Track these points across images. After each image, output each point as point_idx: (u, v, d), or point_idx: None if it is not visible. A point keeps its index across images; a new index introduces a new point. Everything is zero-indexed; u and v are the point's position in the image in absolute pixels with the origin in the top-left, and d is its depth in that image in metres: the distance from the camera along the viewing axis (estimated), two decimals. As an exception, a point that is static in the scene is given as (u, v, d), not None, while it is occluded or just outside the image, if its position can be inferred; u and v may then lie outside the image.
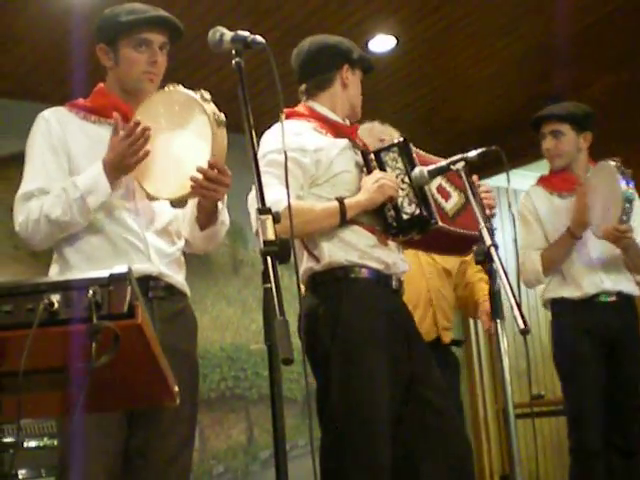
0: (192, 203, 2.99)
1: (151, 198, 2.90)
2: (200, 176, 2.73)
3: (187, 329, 3.03)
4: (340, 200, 3.28)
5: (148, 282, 2.88)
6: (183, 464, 2.93)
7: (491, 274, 2.86)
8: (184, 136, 2.81)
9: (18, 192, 2.90)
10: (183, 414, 2.85)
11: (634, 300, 4.58)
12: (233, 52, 2.42)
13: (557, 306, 4.52)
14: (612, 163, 4.32)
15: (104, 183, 2.80)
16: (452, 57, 6.33)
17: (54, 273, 2.90)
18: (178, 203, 2.89)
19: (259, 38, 2.42)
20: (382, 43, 5.98)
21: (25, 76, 5.70)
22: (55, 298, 1.70)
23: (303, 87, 3.53)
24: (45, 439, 4.51)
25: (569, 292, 4.45)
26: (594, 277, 4.45)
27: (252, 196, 3.19)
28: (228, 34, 2.45)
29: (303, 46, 3.52)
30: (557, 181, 4.63)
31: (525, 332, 2.63)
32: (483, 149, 3.17)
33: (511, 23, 5.86)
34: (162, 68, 3.02)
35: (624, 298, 4.50)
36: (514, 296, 2.69)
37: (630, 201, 4.19)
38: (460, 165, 3.12)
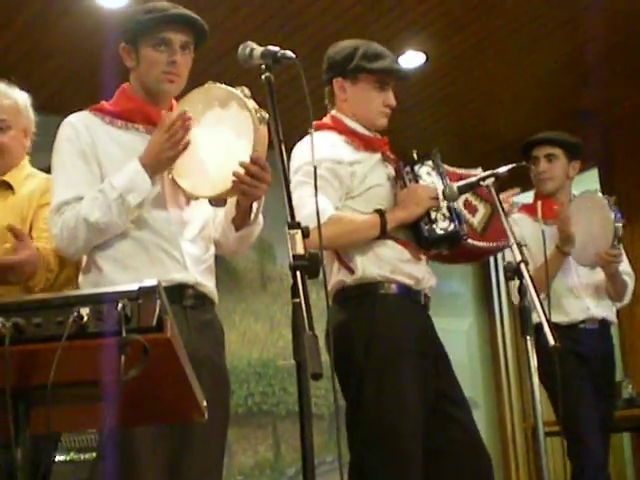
0: (230, 203, 2.93)
1: (188, 196, 2.85)
2: (242, 171, 2.67)
3: (217, 340, 2.97)
4: (381, 213, 3.27)
5: (183, 291, 2.82)
6: (216, 476, 2.88)
7: (521, 290, 2.85)
8: (224, 132, 2.75)
9: (52, 203, 2.83)
10: (216, 428, 2.80)
11: (610, 328, 4.71)
12: (263, 67, 2.41)
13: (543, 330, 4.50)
14: (598, 194, 4.55)
15: (144, 179, 2.74)
16: (481, 73, 6.32)
17: (87, 282, 2.84)
18: (217, 201, 2.84)
19: (289, 53, 2.41)
20: (412, 59, 5.99)
21: (57, 91, 5.74)
22: (84, 311, 1.70)
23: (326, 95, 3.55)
24: (72, 453, 4.51)
25: (557, 317, 4.44)
26: (580, 304, 4.54)
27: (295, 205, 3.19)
28: (258, 49, 2.44)
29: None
30: (544, 209, 4.60)
31: (556, 349, 2.62)
32: (513, 165, 3.17)
33: (541, 39, 5.85)
34: (183, 68, 2.93)
35: (605, 325, 4.62)
36: (544, 312, 2.68)
37: (620, 229, 4.31)
38: (490, 181, 3.12)
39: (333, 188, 3.20)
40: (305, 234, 2.08)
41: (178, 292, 2.78)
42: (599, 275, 4.54)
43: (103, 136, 2.88)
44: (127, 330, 1.66)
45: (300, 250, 2.05)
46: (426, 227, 3.30)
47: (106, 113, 2.94)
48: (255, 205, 2.90)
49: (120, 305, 1.68)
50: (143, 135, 2.89)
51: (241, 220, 2.93)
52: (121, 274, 2.75)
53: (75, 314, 1.69)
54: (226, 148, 2.74)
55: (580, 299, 4.53)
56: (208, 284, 2.92)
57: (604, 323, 4.59)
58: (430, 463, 3.22)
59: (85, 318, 1.69)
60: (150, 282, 1.74)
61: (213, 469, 2.87)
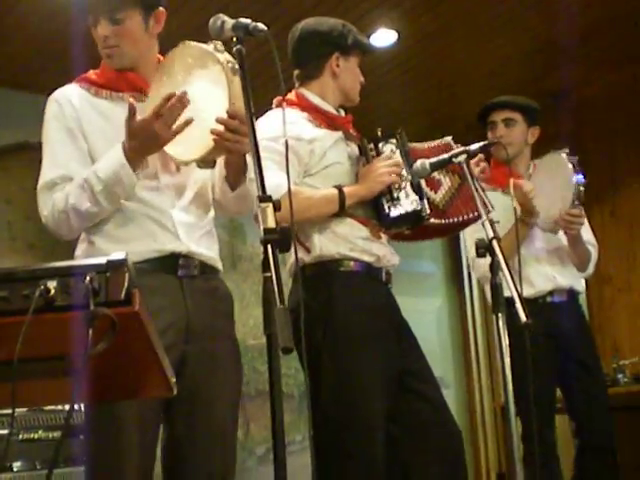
0: (220, 162, 2.86)
1: (180, 163, 2.78)
2: (221, 128, 2.61)
3: (223, 308, 2.92)
4: (339, 188, 3.26)
5: (177, 260, 2.77)
6: (230, 443, 2.87)
7: (493, 267, 2.85)
8: (202, 90, 2.66)
9: (40, 181, 2.80)
10: (225, 396, 2.80)
11: (579, 298, 4.60)
12: (234, 40, 2.39)
13: (510, 306, 4.44)
14: (562, 154, 4.33)
15: (128, 174, 2.67)
16: (454, 52, 6.31)
17: (80, 255, 2.81)
18: (205, 163, 2.75)
19: (261, 25, 2.39)
20: (383, 37, 5.95)
21: (23, 67, 5.67)
22: (52, 284, 1.67)
23: (295, 73, 3.51)
24: (40, 431, 4.48)
25: (524, 291, 4.39)
26: (546, 272, 4.43)
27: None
28: (229, 21, 2.42)
29: (295, 31, 3.51)
30: (498, 175, 4.42)
31: (527, 326, 2.62)
32: (485, 142, 3.18)
33: (514, 18, 5.84)
34: (117, 40, 2.86)
35: (573, 296, 4.51)
36: (516, 289, 2.67)
37: (580, 186, 4.21)
38: (462, 158, 3.12)
39: (291, 164, 3.17)
40: (276, 207, 2.06)
41: (171, 262, 2.75)
42: (563, 241, 4.43)
43: (88, 108, 2.84)
44: (95, 304, 1.64)
45: (271, 224, 2.03)
46: (387, 205, 3.29)
47: (92, 84, 2.90)
48: (248, 159, 2.81)
49: (88, 278, 1.66)
50: (125, 103, 2.79)
51: (236, 178, 2.86)
52: (112, 246, 2.70)
53: (42, 287, 1.66)
54: (204, 106, 2.65)
55: (544, 267, 4.43)
56: (206, 252, 2.87)
57: (572, 294, 4.49)
58: (399, 440, 3.23)
59: (52, 291, 1.66)
60: (119, 255, 1.72)
61: (225, 434, 2.84)
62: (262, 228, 2.02)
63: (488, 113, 4.61)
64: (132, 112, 2.64)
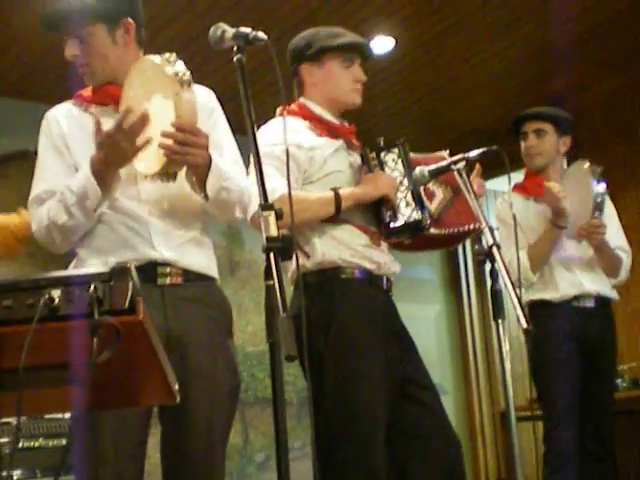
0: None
1: (145, 177, 2.76)
2: (169, 141, 2.57)
3: (214, 315, 2.87)
4: (335, 190, 3.26)
5: (155, 268, 2.74)
6: (220, 454, 2.83)
7: (493, 274, 2.86)
8: (156, 104, 2.63)
9: (30, 196, 2.85)
10: (215, 406, 2.77)
11: (611, 305, 4.62)
12: (235, 49, 2.39)
13: (537, 310, 4.50)
14: (585, 164, 4.41)
15: (93, 188, 2.66)
16: (451, 59, 6.32)
17: (69, 268, 2.83)
18: (165, 177, 2.72)
19: (261, 34, 2.39)
20: (381, 44, 5.97)
21: (22, 76, 5.68)
22: (56, 293, 1.68)
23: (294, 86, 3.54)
24: (40, 439, 4.48)
25: (549, 294, 4.46)
26: (572, 278, 4.47)
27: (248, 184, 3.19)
28: (230, 31, 2.42)
29: None
30: (532, 186, 4.65)
31: (528, 332, 2.63)
32: (484, 149, 3.17)
33: (511, 25, 5.86)
34: (83, 58, 2.86)
35: (602, 303, 4.53)
36: (517, 295, 2.68)
37: (601, 197, 4.28)
38: (461, 165, 3.12)
39: (290, 170, 3.16)
40: (278, 216, 2.07)
41: (150, 271, 2.73)
42: (590, 249, 4.47)
43: (74, 125, 2.86)
44: (99, 312, 1.64)
45: (273, 232, 2.03)
46: (388, 213, 3.30)
47: (83, 99, 2.93)
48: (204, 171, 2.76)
49: (92, 287, 1.67)
50: (114, 116, 2.78)
51: (202, 188, 2.80)
52: (94, 257, 2.74)
53: (46, 296, 1.67)
54: (159, 120, 2.60)
55: (572, 272, 4.47)
56: (188, 259, 2.82)
57: (600, 300, 4.51)
58: (399, 448, 3.23)
59: (56, 300, 1.67)
60: (122, 263, 1.73)
61: (215, 446, 2.81)
62: (264, 236, 2.03)
63: (520, 124, 4.68)
64: (97, 125, 2.65)
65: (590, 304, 4.48)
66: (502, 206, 4.66)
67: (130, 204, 2.78)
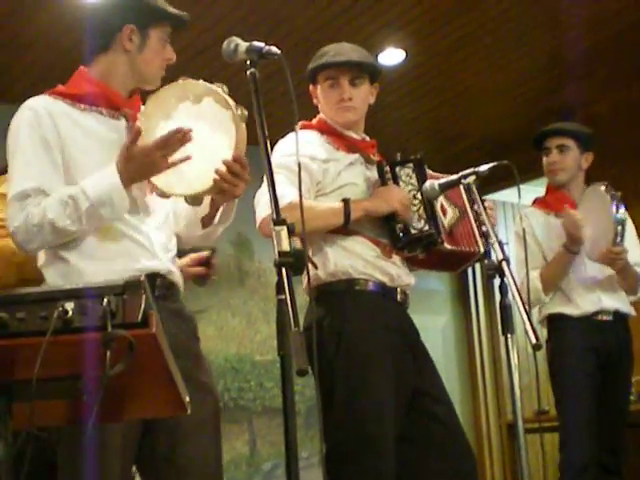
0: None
1: (162, 194, 2.76)
2: (224, 169, 2.64)
3: (189, 327, 2.88)
4: (345, 200, 3.28)
5: (155, 280, 2.73)
6: (215, 466, 2.84)
7: (502, 289, 2.87)
8: (200, 129, 2.66)
9: (11, 191, 2.68)
10: (206, 415, 2.76)
11: (628, 320, 4.64)
12: (248, 62, 2.41)
13: (556, 322, 4.55)
14: (602, 187, 4.44)
15: (122, 198, 2.63)
16: (461, 71, 6.33)
17: (54, 274, 2.71)
18: (194, 200, 2.75)
19: (274, 49, 2.41)
20: (391, 56, 5.99)
21: (34, 83, 5.68)
22: (69, 306, 1.69)
23: None
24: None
25: (569, 309, 4.49)
26: (592, 296, 4.50)
27: (259, 193, 3.23)
28: (243, 44, 2.44)
29: None
30: (553, 201, 4.68)
31: (537, 347, 2.63)
32: (494, 163, 3.17)
33: (520, 38, 5.87)
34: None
35: (620, 318, 4.56)
36: (526, 311, 2.69)
37: (621, 223, 4.30)
38: (471, 179, 3.13)
39: (302, 180, 3.17)
40: (291, 230, 2.08)
41: (150, 283, 2.72)
42: (610, 269, 4.48)
43: (66, 121, 2.75)
44: (112, 325, 1.66)
45: (285, 247, 2.05)
46: (398, 226, 3.31)
47: (67, 96, 2.81)
48: (229, 204, 2.88)
49: (105, 300, 1.68)
50: (107, 119, 2.81)
51: (211, 219, 2.91)
52: (90, 265, 2.66)
53: (60, 309, 1.68)
54: (203, 145, 2.65)
55: (592, 292, 4.50)
56: (177, 272, 2.86)
57: (619, 315, 4.54)
58: (413, 462, 3.23)
59: (70, 313, 1.68)
60: (136, 277, 1.74)
61: (210, 456, 2.81)
62: (277, 251, 2.04)
63: (543, 139, 4.68)
64: (137, 136, 2.63)
65: (608, 318, 4.52)
66: (523, 222, 4.65)
67: (129, 214, 2.75)
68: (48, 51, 5.43)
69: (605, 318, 4.50)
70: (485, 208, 3.18)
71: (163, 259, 2.79)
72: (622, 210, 4.31)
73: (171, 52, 2.90)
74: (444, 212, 3.42)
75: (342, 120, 3.47)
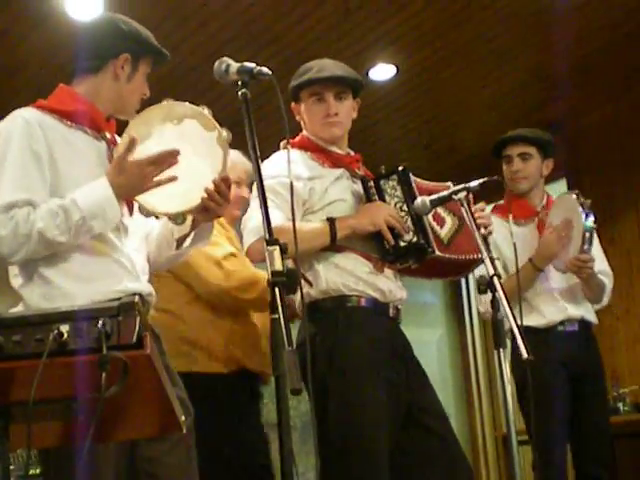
0: (163, 222, 2.91)
1: (147, 212, 2.77)
2: (212, 188, 2.68)
3: (161, 346, 2.88)
4: (330, 220, 3.28)
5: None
6: (192, 475, 2.86)
7: (494, 303, 2.88)
8: (185, 150, 2.68)
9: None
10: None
11: (593, 329, 4.60)
12: (239, 83, 2.43)
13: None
14: (573, 196, 4.40)
15: (114, 210, 2.65)
16: (452, 85, 6.36)
17: (34, 294, 2.65)
18: (179, 218, 2.77)
19: (265, 69, 2.43)
20: (383, 72, 6.01)
21: (27, 104, 5.70)
22: (64, 328, 1.71)
23: None
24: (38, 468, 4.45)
25: (534, 320, 4.41)
26: (557, 305, 4.45)
27: (245, 217, 3.26)
28: (234, 65, 2.45)
29: None
30: (514, 209, 4.59)
31: (529, 362, 2.65)
32: (485, 179, 3.18)
33: (510, 51, 5.89)
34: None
35: (585, 327, 4.51)
36: (517, 326, 2.71)
37: (591, 231, 4.26)
38: (462, 195, 3.14)
39: (285, 200, 3.18)
40: (283, 250, 2.10)
41: None
42: (575, 278, 4.46)
43: (55, 135, 2.74)
44: (107, 347, 1.67)
45: (279, 266, 2.06)
46: (387, 240, 3.32)
47: (55, 111, 2.80)
48: (206, 225, 2.92)
49: (100, 322, 1.70)
50: (90, 139, 2.82)
51: (185, 239, 2.94)
52: (74, 285, 2.65)
53: (55, 331, 1.70)
54: (188, 165, 2.68)
55: (556, 301, 4.45)
56: (154, 294, 2.88)
57: (584, 324, 4.50)
58: (407, 475, 3.24)
59: (65, 335, 1.70)
60: (129, 299, 1.76)
61: (188, 466, 2.84)
62: (270, 271, 2.06)
63: (503, 147, 4.63)
64: (132, 147, 2.64)
65: (574, 328, 4.47)
66: None
67: (111, 234, 2.76)
68: (41, 70, 5.44)
69: (570, 328, 4.44)
70: (477, 223, 3.19)
71: (143, 281, 2.82)
72: (591, 218, 4.27)
73: (147, 88, 2.95)
74: (442, 221, 3.41)
75: (328, 135, 3.47)
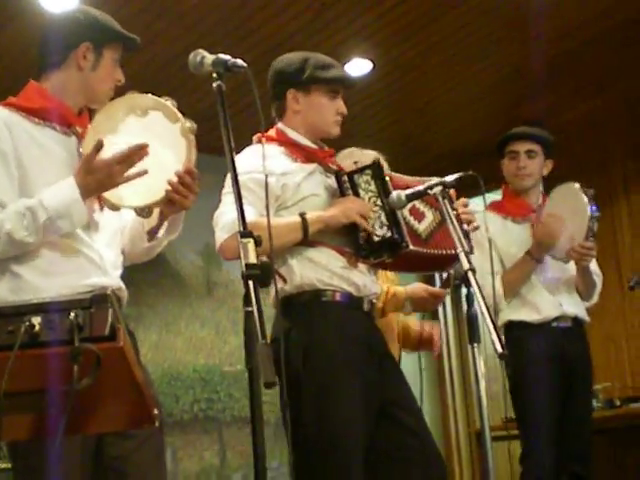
0: (134, 216, 2.88)
1: (112, 207, 2.76)
2: (175, 180, 2.66)
3: (134, 342, 2.85)
4: (302, 215, 3.25)
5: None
6: (161, 472, 2.85)
7: (469, 298, 2.88)
8: (150, 142, 2.65)
9: None
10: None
11: (584, 326, 4.63)
12: (214, 75, 2.41)
13: (515, 330, 4.51)
14: (575, 185, 4.43)
15: (81, 212, 2.64)
16: (427, 81, 6.37)
17: (4, 289, 2.65)
18: (145, 212, 2.76)
19: (240, 62, 2.41)
20: (358, 67, 6.01)
21: (2, 93, 5.67)
22: (36, 320, 1.70)
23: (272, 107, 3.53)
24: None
25: (529, 315, 4.46)
26: (553, 300, 4.48)
27: (217, 213, 3.22)
28: (209, 57, 2.44)
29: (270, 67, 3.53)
30: (511, 206, 4.65)
31: (503, 356, 2.65)
32: (460, 174, 3.18)
33: (486, 48, 5.91)
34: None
35: (578, 324, 4.55)
36: (492, 320, 2.71)
37: (595, 220, 4.30)
38: (437, 189, 3.13)
39: (258, 197, 3.17)
40: (258, 243, 2.09)
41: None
42: (571, 271, 4.50)
43: (22, 134, 2.73)
44: (80, 339, 1.66)
45: (252, 259, 2.05)
46: (361, 234, 3.30)
47: (22, 109, 2.79)
48: (177, 216, 2.91)
49: (72, 314, 1.68)
50: (60, 135, 2.81)
51: (157, 231, 2.95)
52: (43, 280, 2.65)
53: (27, 323, 1.68)
54: (153, 158, 2.65)
55: (552, 294, 4.48)
56: (124, 289, 2.87)
57: (577, 321, 4.54)
58: (380, 471, 3.23)
59: (37, 327, 1.69)
60: (102, 291, 1.75)
61: (157, 463, 2.84)
62: (243, 263, 2.05)
63: (510, 142, 4.65)
64: (99, 148, 2.62)
65: (568, 324, 4.50)
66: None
67: (79, 230, 2.75)
68: (16, 63, 5.41)
69: (564, 325, 4.48)
70: (456, 214, 3.19)
71: (113, 275, 2.81)
72: (595, 208, 4.30)
73: (121, 74, 2.93)
74: (421, 216, 3.40)
75: (333, 132, 3.47)
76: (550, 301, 4.47)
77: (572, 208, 4.38)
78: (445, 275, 3.65)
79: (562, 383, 4.41)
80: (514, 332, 4.51)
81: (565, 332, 4.48)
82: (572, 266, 4.51)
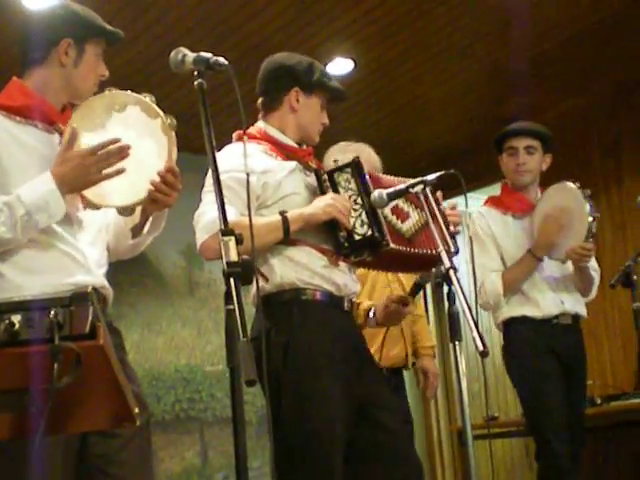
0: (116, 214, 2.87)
1: (94, 206, 2.74)
2: (158, 179, 2.66)
3: (120, 341, 2.87)
4: (283, 214, 3.24)
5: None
6: (147, 470, 2.85)
7: (450, 297, 2.89)
8: (130, 139, 2.65)
9: None
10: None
11: (580, 322, 4.65)
12: (195, 73, 2.41)
13: (516, 325, 4.53)
14: (573, 185, 4.45)
15: (58, 203, 2.61)
16: (409, 80, 6.38)
17: None
18: (127, 211, 2.75)
19: (221, 60, 2.40)
20: (340, 66, 6.01)
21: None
22: (16, 319, 1.69)
23: (259, 102, 3.51)
24: None
25: (530, 311, 4.47)
26: (555, 298, 4.49)
27: (197, 213, 3.21)
28: (190, 55, 2.43)
29: (266, 61, 3.51)
30: (510, 202, 4.65)
31: (484, 354, 2.65)
32: (442, 172, 3.18)
33: (468, 47, 5.93)
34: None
35: (577, 321, 4.58)
36: (473, 319, 2.71)
37: (594, 221, 4.32)
38: (419, 188, 3.14)
39: (238, 196, 3.16)
40: (239, 241, 2.08)
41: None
42: (570, 268, 4.52)
43: (2, 134, 2.71)
44: (60, 337, 1.65)
45: (234, 257, 2.05)
46: (341, 234, 3.30)
47: (2, 107, 2.78)
48: (159, 214, 2.91)
49: (52, 312, 1.67)
50: (42, 133, 2.79)
51: (141, 228, 2.94)
52: (25, 278, 2.64)
53: (6, 321, 1.68)
54: (133, 155, 2.64)
55: (554, 293, 4.49)
56: (109, 287, 2.85)
57: (576, 319, 4.56)
58: (358, 469, 3.23)
59: (17, 325, 1.68)
60: (83, 289, 1.74)
61: (142, 463, 2.82)
62: (225, 261, 2.04)
63: (509, 138, 4.64)
64: (74, 138, 2.63)
65: (568, 322, 4.52)
66: (478, 220, 4.64)
67: (61, 228, 2.73)
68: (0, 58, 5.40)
69: (565, 322, 4.50)
70: (441, 213, 3.21)
71: (96, 274, 2.79)
72: (592, 208, 4.33)
73: (104, 68, 2.92)
74: (405, 215, 3.39)
75: (316, 140, 3.51)
76: (552, 298, 4.50)
77: (571, 208, 4.40)
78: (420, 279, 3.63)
79: (563, 375, 4.43)
80: (516, 326, 4.54)
81: (566, 328, 4.51)
82: (570, 264, 4.53)
